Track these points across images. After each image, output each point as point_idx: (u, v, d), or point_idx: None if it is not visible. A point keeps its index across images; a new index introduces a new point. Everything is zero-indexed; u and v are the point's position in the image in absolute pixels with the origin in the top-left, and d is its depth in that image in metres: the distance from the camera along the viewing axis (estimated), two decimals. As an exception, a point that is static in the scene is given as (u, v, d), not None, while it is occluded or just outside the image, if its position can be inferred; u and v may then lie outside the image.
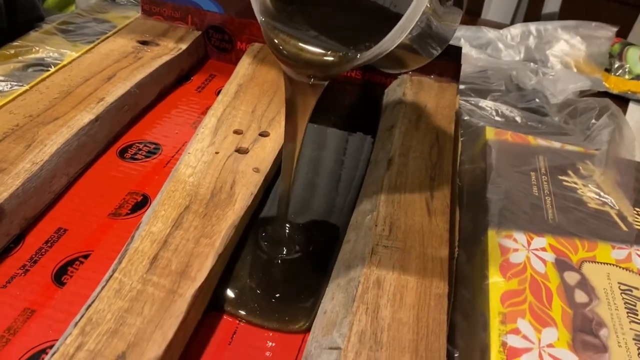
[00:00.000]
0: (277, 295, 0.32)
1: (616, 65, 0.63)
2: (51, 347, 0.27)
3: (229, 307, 0.31)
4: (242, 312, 0.31)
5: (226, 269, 0.32)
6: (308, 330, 0.30)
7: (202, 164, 0.36)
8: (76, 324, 0.25)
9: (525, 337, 0.29)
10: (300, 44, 0.26)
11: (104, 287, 0.27)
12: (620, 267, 0.35)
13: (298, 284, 0.33)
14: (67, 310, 0.28)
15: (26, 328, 0.28)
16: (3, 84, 0.41)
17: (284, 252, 0.35)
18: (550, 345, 0.29)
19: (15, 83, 0.42)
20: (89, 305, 0.26)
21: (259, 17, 0.27)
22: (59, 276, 0.31)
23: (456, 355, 0.31)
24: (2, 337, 0.27)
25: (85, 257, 0.32)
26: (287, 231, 0.36)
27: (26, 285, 0.30)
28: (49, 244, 0.32)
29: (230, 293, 0.32)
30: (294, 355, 0.29)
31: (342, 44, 0.26)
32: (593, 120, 0.52)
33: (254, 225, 0.36)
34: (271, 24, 0.27)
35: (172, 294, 0.27)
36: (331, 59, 0.26)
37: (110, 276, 0.27)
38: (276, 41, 0.27)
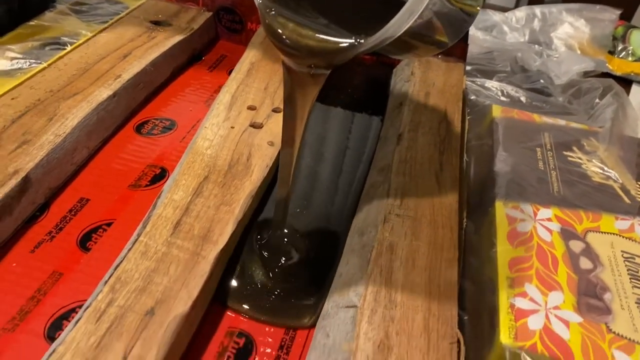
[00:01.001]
0: (283, 293, 0.32)
1: (619, 48, 0.64)
2: (80, 306, 0.28)
3: (233, 304, 0.31)
4: (246, 308, 0.30)
5: (229, 268, 0.32)
6: (313, 326, 0.30)
7: (218, 138, 0.37)
8: (106, 282, 0.26)
9: (532, 300, 0.30)
10: (300, 29, 0.24)
11: (130, 249, 0.28)
12: (623, 237, 0.36)
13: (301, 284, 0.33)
14: (93, 274, 0.30)
15: (55, 289, 0.29)
16: (22, 61, 0.42)
17: (283, 260, 0.34)
18: (556, 307, 0.30)
19: (34, 61, 0.43)
20: (117, 266, 0.27)
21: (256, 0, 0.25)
22: (84, 242, 0.32)
23: (465, 318, 0.32)
24: (34, 297, 0.28)
25: (108, 225, 0.33)
26: (285, 239, 0.35)
27: (53, 250, 0.31)
28: (72, 213, 0.34)
29: (234, 289, 0.31)
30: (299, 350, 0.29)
31: (344, 29, 0.24)
32: (597, 100, 0.53)
33: (252, 228, 0.35)
34: (269, 6, 0.24)
35: (195, 255, 0.28)
36: (333, 45, 0.23)
37: (136, 240, 0.29)
38: (274, 26, 0.24)
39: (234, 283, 0.32)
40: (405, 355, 0.25)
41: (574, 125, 0.47)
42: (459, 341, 0.26)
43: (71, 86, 0.40)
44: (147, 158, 0.39)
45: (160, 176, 0.38)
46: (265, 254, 0.34)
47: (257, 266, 0.33)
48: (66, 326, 0.26)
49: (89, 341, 0.23)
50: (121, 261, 0.27)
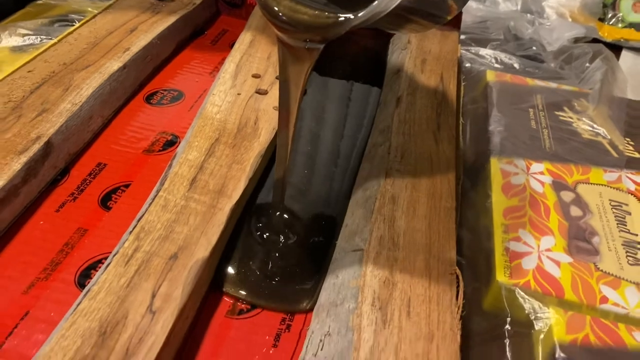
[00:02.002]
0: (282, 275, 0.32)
1: (609, 15, 0.66)
2: (105, 258, 0.30)
3: (230, 289, 0.31)
4: (244, 293, 0.30)
5: (226, 254, 0.32)
6: (311, 310, 0.30)
7: (226, 104, 0.39)
8: (131, 232, 0.28)
9: (525, 244, 0.33)
10: (294, 5, 0.24)
11: (151, 203, 0.30)
12: (611, 187, 0.38)
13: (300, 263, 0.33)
14: (115, 230, 0.32)
15: (81, 243, 0.31)
16: (33, 37, 0.44)
17: (282, 241, 0.34)
18: (548, 250, 0.33)
19: (45, 37, 0.44)
20: (140, 218, 0.29)
21: None
22: (105, 201, 0.34)
23: (463, 263, 0.34)
24: (62, 250, 0.31)
25: (126, 186, 0.35)
26: (285, 217, 0.35)
27: (76, 209, 0.33)
28: (92, 176, 0.36)
29: (231, 276, 0.31)
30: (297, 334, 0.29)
31: (338, 4, 0.24)
32: (587, 64, 0.55)
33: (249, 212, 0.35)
34: None
35: (212, 208, 0.30)
36: (327, 20, 0.24)
37: (156, 195, 0.31)
38: (269, 3, 0.24)
39: (231, 269, 0.31)
40: (409, 289, 0.27)
41: (564, 87, 0.49)
42: (457, 278, 0.29)
43: (83, 59, 0.41)
44: (158, 126, 0.41)
45: (171, 142, 0.39)
46: (264, 235, 0.34)
47: (255, 249, 0.33)
48: (94, 275, 0.28)
49: (119, 282, 0.25)
50: (143, 214, 0.29)
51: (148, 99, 0.44)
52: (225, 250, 0.32)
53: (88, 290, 0.25)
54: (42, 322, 0.27)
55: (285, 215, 0.35)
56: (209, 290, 0.30)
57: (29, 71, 0.39)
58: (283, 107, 0.28)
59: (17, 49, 0.43)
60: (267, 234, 0.34)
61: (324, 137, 0.43)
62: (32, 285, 0.28)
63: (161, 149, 0.39)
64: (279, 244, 0.34)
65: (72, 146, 0.36)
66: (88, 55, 0.42)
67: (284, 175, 0.32)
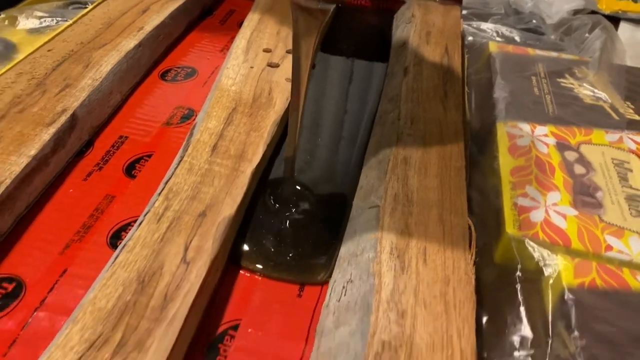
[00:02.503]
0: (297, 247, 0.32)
1: (607, -12, 0.67)
2: (134, 221, 0.32)
3: (248, 263, 0.31)
4: (260, 267, 0.31)
5: (243, 228, 0.32)
6: (326, 282, 0.31)
7: (240, 76, 0.40)
8: (159, 193, 0.30)
9: (533, 199, 0.34)
10: None
11: (176, 167, 0.32)
12: (613, 147, 0.40)
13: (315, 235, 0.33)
14: (141, 195, 0.33)
15: (110, 208, 0.33)
16: (49, 19, 0.45)
17: (296, 211, 0.34)
18: (554, 204, 0.34)
19: (60, 18, 0.46)
20: (167, 181, 0.31)
21: None
22: (129, 170, 0.35)
23: (473, 220, 0.36)
24: (93, 215, 0.32)
25: (149, 156, 0.37)
26: (296, 189, 0.36)
27: (103, 178, 0.35)
28: (115, 147, 0.37)
29: (247, 249, 0.32)
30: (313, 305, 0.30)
31: None
32: (586, 34, 0.56)
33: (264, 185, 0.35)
34: None
35: (235, 170, 0.32)
36: None
37: (180, 160, 0.32)
38: None
39: (246, 242, 0.32)
40: (424, 239, 0.29)
41: (565, 56, 0.51)
42: (470, 229, 0.30)
43: (100, 38, 0.43)
44: (174, 100, 0.42)
45: (188, 115, 0.41)
46: (278, 206, 0.34)
47: (270, 222, 0.33)
48: (124, 237, 0.30)
49: (153, 237, 0.27)
50: (170, 177, 0.31)
51: (163, 75, 0.45)
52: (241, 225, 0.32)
53: (124, 245, 0.27)
54: (80, 279, 0.28)
55: (298, 187, 0.36)
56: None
57: (48, 50, 0.41)
58: (295, 74, 0.30)
59: (35, 31, 0.44)
60: (281, 206, 0.34)
61: (334, 110, 0.45)
62: (67, 247, 0.30)
63: (179, 122, 0.40)
64: (294, 215, 0.34)
65: (95, 119, 0.38)
66: (104, 35, 0.43)
67: (296, 144, 0.32)
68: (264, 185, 0.35)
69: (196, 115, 0.41)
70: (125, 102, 0.41)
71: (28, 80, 0.37)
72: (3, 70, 0.38)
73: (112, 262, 0.26)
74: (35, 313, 0.27)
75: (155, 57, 0.46)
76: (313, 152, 0.40)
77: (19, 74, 0.38)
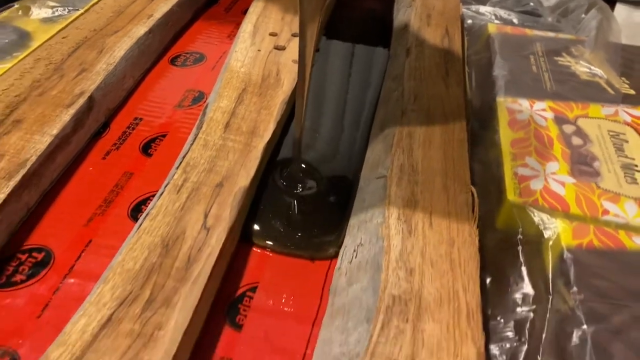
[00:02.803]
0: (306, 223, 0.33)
1: (603, -30, 0.68)
2: (152, 195, 0.33)
3: (260, 240, 0.32)
4: (271, 243, 0.32)
5: (255, 206, 0.33)
6: (336, 256, 0.32)
7: (248, 59, 0.42)
8: (177, 167, 0.31)
9: (532, 169, 0.36)
10: None
11: (192, 144, 0.33)
12: (609, 120, 0.41)
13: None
14: (158, 172, 0.35)
15: (130, 184, 0.34)
16: (61, 9, 0.47)
17: (304, 188, 0.36)
18: (553, 173, 0.36)
19: (72, 7, 0.47)
20: (184, 156, 0.32)
21: None
22: (146, 149, 0.37)
23: (476, 190, 0.37)
24: (113, 190, 0.34)
25: (163, 136, 0.38)
26: (303, 168, 0.37)
27: (121, 157, 0.36)
28: (130, 128, 0.39)
29: (259, 227, 0.32)
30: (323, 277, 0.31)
31: None
32: (583, 15, 0.58)
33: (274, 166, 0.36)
34: None
35: (247, 146, 0.33)
36: None
37: (195, 137, 0.34)
38: None
39: (258, 221, 0.33)
40: (430, 206, 0.30)
41: (562, 35, 0.52)
42: (472, 195, 0.32)
43: (111, 25, 0.44)
44: (185, 84, 0.44)
45: (199, 98, 0.42)
46: (287, 185, 0.35)
47: (280, 199, 0.34)
48: (144, 209, 0.32)
49: (174, 206, 0.29)
50: (187, 152, 0.32)
51: (172, 61, 0.47)
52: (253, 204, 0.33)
53: (147, 214, 0.28)
54: (104, 248, 0.30)
55: (304, 165, 0.37)
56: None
57: (63, 37, 0.42)
58: (301, 56, 0.30)
59: (48, 20, 0.45)
60: (290, 184, 0.35)
61: (340, 92, 0.46)
62: (91, 219, 0.32)
63: (190, 104, 0.42)
64: (302, 193, 0.35)
65: (111, 102, 0.39)
66: (115, 22, 0.45)
67: (303, 126, 0.33)
68: (274, 165, 0.36)
69: (206, 98, 0.43)
70: (138, 86, 0.43)
71: (46, 66, 0.38)
72: (21, 56, 0.40)
73: (137, 229, 0.27)
74: (64, 279, 0.28)
75: (165, 44, 0.48)
76: (320, 131, 0.41)
77: (37, 59, 0.39)
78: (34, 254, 0.29)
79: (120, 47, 0.42)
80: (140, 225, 0.28)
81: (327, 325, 0.27)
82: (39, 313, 0.27)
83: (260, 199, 0.34)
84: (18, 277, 0.28)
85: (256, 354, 0.26)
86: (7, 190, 0.29)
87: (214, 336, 0.26)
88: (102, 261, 0.29)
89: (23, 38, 0.43)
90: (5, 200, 0.29)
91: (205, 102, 0.42)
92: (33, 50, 0.40)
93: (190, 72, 0.45)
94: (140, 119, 0.40)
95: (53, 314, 0.27)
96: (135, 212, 0.32)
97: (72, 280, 0.28)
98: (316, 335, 0.27)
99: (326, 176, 0.37)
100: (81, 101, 0.36)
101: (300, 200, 0.35)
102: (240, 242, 0.31)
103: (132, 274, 0.25)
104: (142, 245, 0.26)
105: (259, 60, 0.42)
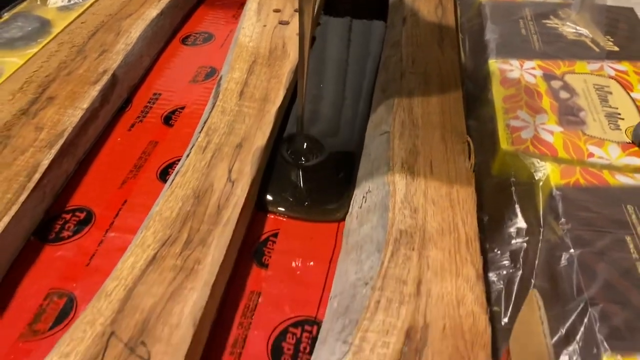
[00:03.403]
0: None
1: (589, -63, 0.71)
2: (178, 159, 0.37)
3: (274, 208, 0.34)
4: (283, 210, 0.34)
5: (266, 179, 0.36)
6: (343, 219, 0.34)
7: (256, 34, 0.45)
8: (200, 131, 0.35)
9: (523, 120, 0.39)
10: None
11: (211, 111, 0.36)
12: (594, 75, 0.44)
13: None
14: (181, 140, 0.38)
15: (155, 151, 0.38)
16: (76, -3, 0.50)
17: (310, 159, 0.38)
18: (542, 124, 0.39)
19: (85, -5, 0.50)
20: (205, 121, 0.35)
21: None
22: (167, 120, 0.40)
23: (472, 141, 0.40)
24: (141, 157, 0.37)
25: (181, 109, 0.42)
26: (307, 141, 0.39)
27: (145, 128, 0.40)
28: (151, 102, 0.42)
29: (272, 197, 0.35)
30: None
31: None
32: (570, -20, 0.60)
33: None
34: None
35: (261, 111, 0.37)
36: None
37: (213, 105, 0.37)
38: None
39: (270, 190, 0.35)
40: (430, 155, 0.34)
41: (550, 0, 0.55)
42: (469, 145, 0.35)
43: (125, 9, 0.47)
44: (197, 61, 0.47)
45: (211, 73, 0.46)
46: (294, 156, 0.37)
47: (288, 172, 0.36)
48: (171, 172, 0.35)
49: (201, 164, 0.32)
50: (207, 118, 0.36)
51: (183, 41, 0.50)
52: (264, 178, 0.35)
53: (177, 172, 0.32)
54: (139, 206, 0.33)
55: (308, 141, 0.38)
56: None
57: (82, 22, 0.45)
58: (300, 30, 0.32)
59: (64, 8, 0.48)
60: (297, 158, 0.37)
61: (340, 64, 0.49)
62: (124, 183, 0.35)
63: (203, 79, 0.45)
64: (308, 164, 0.37)
65: (131, 79, 0.43)
66: (129, 6, 0.48)
67: (304, 102, 0.35)
68: (280, 141, 0.38)
69: (218, 73, 0.46)
70: (153, 65, 0.46)
71: (69, 48, 0.42)
72: (45, 42, 0.43)
73: (170, 184, 0.31)
74: (106, 234, 0.32)
75: (175, 25, 0.51)
76: (323, 101, 0.44)
77: (60, 43, 0.42)
78: (77, 214, 0.33)
79: (135, 29, 0.45)
80: (173, 181, 0.31)
81: (342, 260, 0.30)
82: (87, 262, 0.30)
83: (271, 173, 0.36)
84: (65, 234, 0.31)
85: (282, 287, 0.29)
86: (50, 157, 0.32)
87: (244, 274, 0.30)
88: (137, 217, 0.32)
89: (44, 25, 0.46)
90: (49, 167, 0.32)
91: (217, 76, 0.45)
92: (55, 36, 0.43)
93: (200, 50, 0.48)
94: (159, 94, 0.43)
95: (99, 262, 0.30)
96: (163, 174, 0.36)
97: (113, 234, 0.32)
98: (333, 270, 0.30)
99: (330, 147, 0.39)
100: (105, 78, 0.39)
101: (307, 170, 0.37)
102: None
103: (169, 221, 0.28)
104: (176, 197, 0.30)
105: (265, 35, 0.45)
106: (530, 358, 0.18)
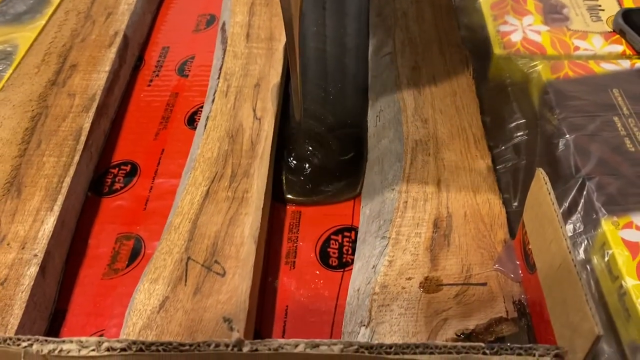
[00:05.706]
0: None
1: None
2: (200, 107, 0.40)
3: (293, 196, 0.34)
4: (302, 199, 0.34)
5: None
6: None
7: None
8: (217, 77, 0.38)
9: (511, 24, 0.42)
10: None
11: (223, 57, 0.39)
12: (573, -29, 0.46)
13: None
14: (198, 88, 0.41)
15: (178, 101, 0.41)
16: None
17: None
18: (529, 25, 0.42)
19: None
20: (221, 67, 0.38)
21: None
22: (181, 71, 0.43)
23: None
24: (167, 108, 0.40)
25: (192, 58, 0.44)
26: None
27: (163, 81, 0.42)
28: (162, 57, 0.44)
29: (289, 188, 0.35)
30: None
31: None
32: None
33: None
34: None
35: (270, 50, 0.39)
36: None
37: (224, 50, 0.40)
38: None
39: (286, 189, 0.34)
40: (432, 69, 0.37)
41: None
42: (466, 56, 0.38)
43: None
44: (195, 10, 0.49)
45: (211, 20, 0.48)
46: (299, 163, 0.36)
47: (298, 175, 0.35)
48: (198, 118, 0.38)
49: (226, 107, 0.35)
50: (221, 64, 0.39)
51: None
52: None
53: (207, 117, 0.35)
54: (176, 153, 0.37)
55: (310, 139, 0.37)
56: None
57: (81, -12, 0.47)
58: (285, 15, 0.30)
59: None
60: (301, 162, 0.36)
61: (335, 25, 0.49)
62: (157, 134, 0.38)
63: (205, 27, 0.47)
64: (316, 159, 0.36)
65: (140, 36, 0.45)
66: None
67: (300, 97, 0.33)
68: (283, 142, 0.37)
69: (218, 19, 0.48)
70: (155, 21, 0.48)
71: (76, 15, 0.44)
72: (50, 11, 0.45)
73: (204, 129, 0.34)
74: (154, 180, 0.35)
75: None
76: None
77: (67, 12, 0.44)
78: (123, 167, 0.36)
79: (134, -12, 0.46)
80: (205, 125, 0.34)
81: (368, 175, 0.34)
82: (143, 207, 0.34)
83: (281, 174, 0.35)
84: (117, 186, 0.35)
85: (318, 205, 0.33)
86: (89, 120, 0.35)
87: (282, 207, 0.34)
88: (177, 162, 0.36)
89: (43, -4, 0.48)
90: (90, 129, 0.35)
91: (217, 22, 0.47)
92: (59, 4, 0.45)
93: (196, 0, 0.50)
94: (168, 48, 0.45)
95: (154, 205, 0.34)
96: (191, 121, 0.39)
97: (160, 180, 0.35)
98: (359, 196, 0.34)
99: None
100: (118, 40, 0.41)
101: (317, 166, 0.36)
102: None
103: (212, 160, 0.32)
104: (213, 139, 0.33)
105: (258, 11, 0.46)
106: (542, 222, 0.23)
